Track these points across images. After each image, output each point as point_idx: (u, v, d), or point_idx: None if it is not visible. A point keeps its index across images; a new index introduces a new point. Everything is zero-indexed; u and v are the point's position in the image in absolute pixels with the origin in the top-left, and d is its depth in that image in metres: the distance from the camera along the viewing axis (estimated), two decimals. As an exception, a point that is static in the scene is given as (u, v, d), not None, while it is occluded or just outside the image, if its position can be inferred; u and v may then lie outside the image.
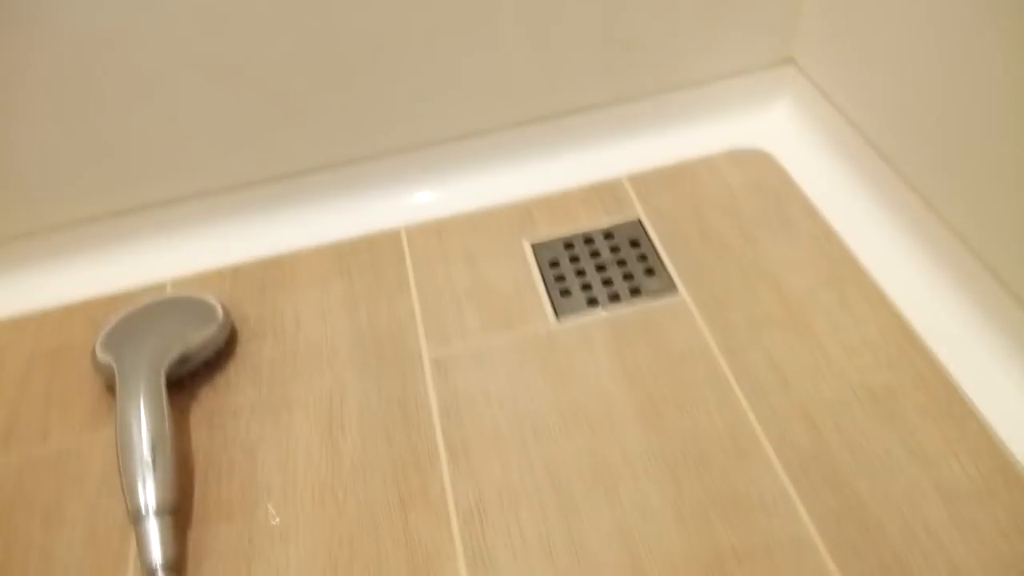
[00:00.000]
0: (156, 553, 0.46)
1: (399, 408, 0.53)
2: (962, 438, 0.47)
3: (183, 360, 0.55)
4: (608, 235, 0.65)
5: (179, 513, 0.49)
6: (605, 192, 0.68)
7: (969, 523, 0.43)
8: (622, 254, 0.63)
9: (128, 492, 0.48)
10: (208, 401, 0.56)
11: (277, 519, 0.49)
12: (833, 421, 0.49)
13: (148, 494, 0.48)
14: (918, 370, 0.51)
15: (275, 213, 0.69)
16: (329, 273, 0.64)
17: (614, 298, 0.59)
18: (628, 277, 0.61)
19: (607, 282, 0.61)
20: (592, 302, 0.59)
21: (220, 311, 0.58)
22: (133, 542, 0.48)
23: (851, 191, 0.64)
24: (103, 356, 0.55)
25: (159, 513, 0.47)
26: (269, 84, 0.63)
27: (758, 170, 0.67)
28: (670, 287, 0.59)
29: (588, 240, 0.64)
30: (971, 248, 0.53)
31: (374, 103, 0.66)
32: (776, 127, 0.71)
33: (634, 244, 0.63)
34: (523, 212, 0.67)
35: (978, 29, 0.49)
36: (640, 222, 0.65)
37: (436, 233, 0.66)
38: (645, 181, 0.68)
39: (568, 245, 0.64)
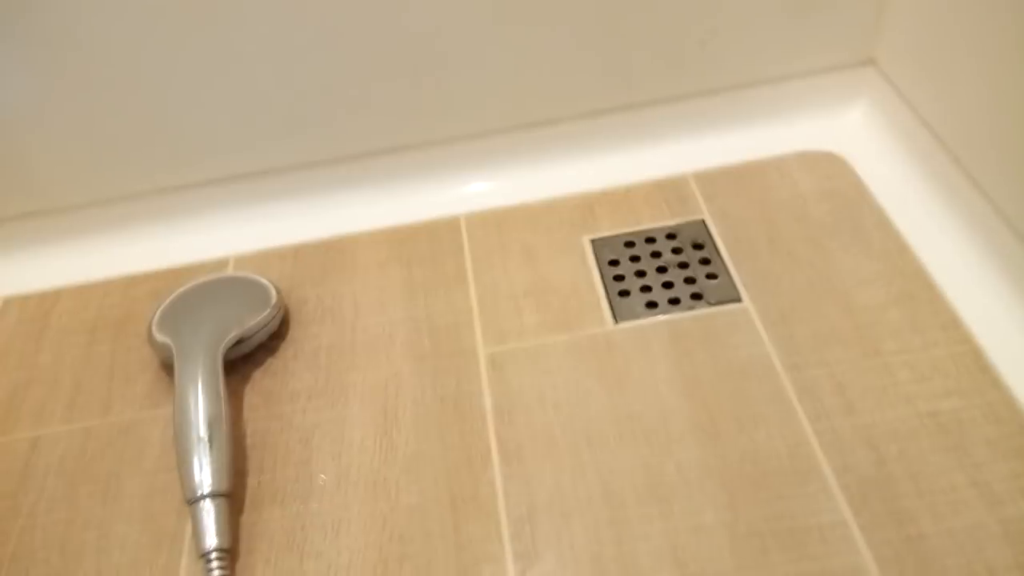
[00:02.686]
0: (211, 537, 0.47)
1: (453, 405, 0.53)
2: (1033, 476, 0.45)
3: (239, 342, 0.56)
4: (671, 235, 0.63)
5: (233, 496, 0.50)
6: (670, 190, 0.66)
7: (1036, 568, 0.42)
8: (684, 256, 0.62)
9: (184, 474, 0.49)
10: (264, 385, 0.57)
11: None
12: (897, 449, 0.48)
13: (204, 476, 0.48)
14: (988, 401, 0.49)
15: (337, 195, 0.69)
16: (388, 259, 0.64)
17: (674, 302, 0.58)
18: (689, 281, 0.60)
19: (667, 285, 0.60)
20: (651, 305, 0.58)
21: (274, 294, 0.59)
22: (188, 523, 0.49)
23: (927, 203, 0.62)
24: (159, 335, 0.56)
25: (214, 496, 0.48)
26: (335, 67, 0.63)
27: (830, 175, 0.65)
28: (733, 294, 0.58)
29: (650, 239, 0.63)
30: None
31: (439, 88, 0.65)
32: (852, 130, 0.68)
33: (697, 246, 0.62)
34: (584, 207, 0.66)
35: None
36: (704, 223, 0.63)
37: (495, 224, 0.66)
38: (712, 180, 0.67)
39: (629, 244, 0.63)
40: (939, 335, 0.53)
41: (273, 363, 0.58)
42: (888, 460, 0.47)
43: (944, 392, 0.50)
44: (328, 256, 0.65)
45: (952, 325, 0.53)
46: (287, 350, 0.59)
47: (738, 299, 0.58)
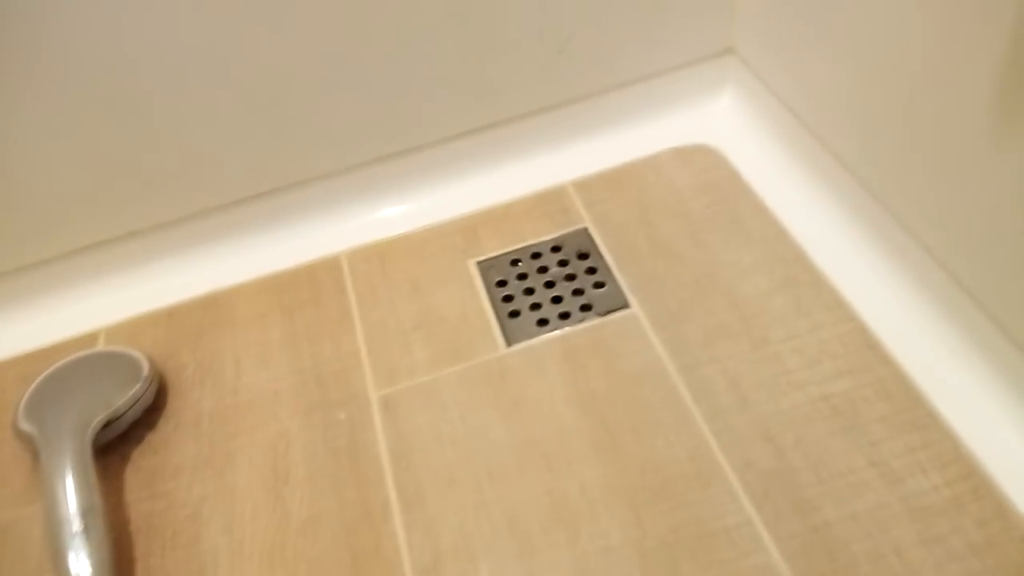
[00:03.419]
0: (95, 638, 0.43)
1: (347, 456, 0.51)
2: (926, 446, 0.46)
3: (109, 424, 0.52)
4: (556, 248, 0.62)
5: (120, 589, 0.46)
6: (550, 201, 0.65)
7: (939, 541, 0.42)
8: (571, 268, 0.61)
9: (59, 572, 0.45)
10: (145, 463, 0.53)
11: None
12: (794, 438, 0.47)
13: (82, 573, 0.45)
14: (878, 376, 0.49)
15: (209, 249, 0.66)
16: (269, 310, 0.61)
17: (564, 316, 0.57)
18: (578, 292, 0.59)
19: (556, 300, 0.59)
20: (542, 323, 0.57)
21: (146, 366, 0.55)
22: (72, 627, 0.45)
23: (799, 186, 0.62)
24: (24, 425, 0.52)
25: (96, 591, 0.44)
26: (190, 114, 0.60)
27: (705, 167, 0.65)
28: (621, 301, 0.57)
29: (535, 255, 0.62)
30: (923, 243, 0.52)
31: (301, 127, 0.63)
32: (720, 120, 0.69)
33: (583, 256, 0.61)
34: (467, 229, 0.65)
35: (918, 14, 0.47)
36: (587, 231, 0.63)
37: (378, 258, 0.64)
38: (590, 187, 0.66)
39: (515, 262, 0.62)
40: (824, 316, 0.53)
41: (152, 438, 0.55)
42: (786, 450, 0.47)
43: (835, 374, 0.50)
44: (204, 315, 0.62)
45: (836, 305, 0.54)
46: (167, 422, 0.55)
47: (626, 305, 0.57)
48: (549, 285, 0.60)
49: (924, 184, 0.50)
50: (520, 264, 0.61)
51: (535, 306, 0.58)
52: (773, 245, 0.58)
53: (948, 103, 0.46)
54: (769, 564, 0.43)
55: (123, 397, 0.53)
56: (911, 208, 0.52)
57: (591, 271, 0.60)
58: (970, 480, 0.44)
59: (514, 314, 0.58)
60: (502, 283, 0.60)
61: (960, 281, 0.49)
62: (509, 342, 0.56)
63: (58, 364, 0.56)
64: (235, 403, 0.55)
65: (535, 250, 0.62)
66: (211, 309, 0.62)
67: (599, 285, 0.59)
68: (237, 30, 0.56)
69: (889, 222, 0.55)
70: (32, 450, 0.52)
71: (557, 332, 0.56)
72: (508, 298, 0.59)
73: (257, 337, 0.59)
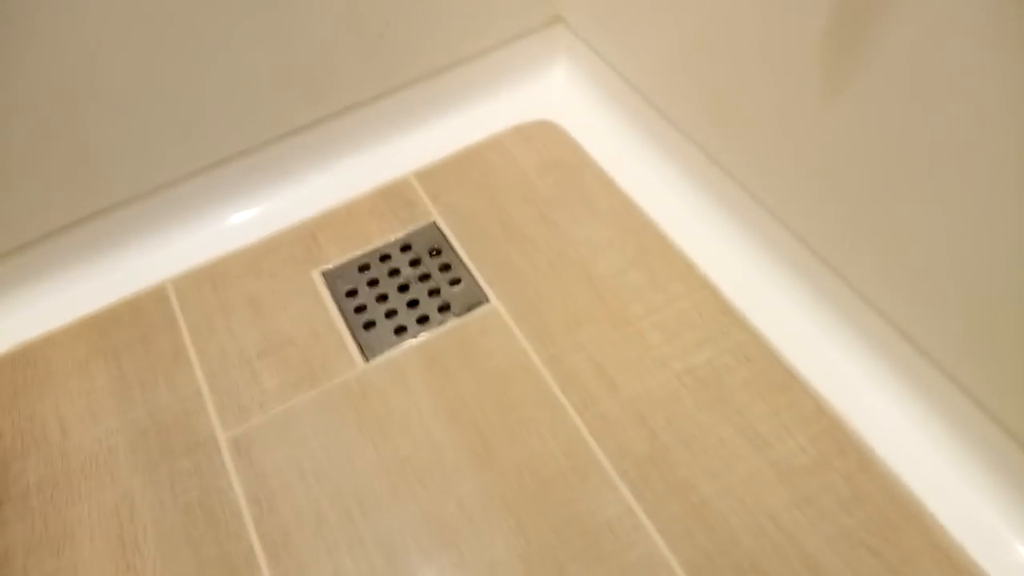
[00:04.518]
0: None
1: (201, 509, 0.46)
2: (790, 406, 0.47)
3: (-85, 521, 0.45)
4: (405, 247, 0.59)
5: None
6: (393, 196, 0.62)
7: (810, 501, 0.43)
8: (424, 267, 0.58)
9: None
10: (-35, 555, 0.46)
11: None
12: (665, 417, 0.47)
13: None
14: (737, 341, 0.50)
15: (11, 294, 0.58)
16: (90, 354, 0.55)
17: (423, 321, 0.54)
18: (434, 293, 0.56)
19: (412, 304, 0.56)
20: (400, 331, 0.54)
21: (-46, 445, 0.48)
22: None
23: (641, 155, 0.62)
24: None
25: None
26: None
27: (547, 144, 0.64)
28: (479, 296, 0.55)
29: (384, 257, 0.59)
30: (763, 203, 0.52)
31: (100, 147, 0.56)
32: (557, 93, 0.67)
33: (435, 252, 0.58)
34: (307, 237, 0.60)
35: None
36: (437, 225, 0.60)
37: (209, 281, 0.58)
38: (434, 176, 0.63)
39: (363, 267, 0.58)
40: (679, 287, 0.53)
41: (-28, 523, 0.48)
42: (659, 432, 0.46)
43: (695, 345, 0.50)
44: (16, 371, 0.54)
45: (689, 274, 0.54)
46: (-13, 502, 0.49)
47: (485, 300, 0.55)
48: (403, 289, 0.56)
49: (761, 144, 0.50)
50: (369, 269, 0.58)
51: (390, 313, 0.55)
52: (622, 218, 0.58)
53: (779, 62, 0.46)
54: (653, 552, 0.42)
55: (-77, 487, 0.46)
56: (750, 169, 0.53)
57: (445, 268, 0.57)
58: (832, 434, 0.45)
59: (369, 325, 0.55)
60: (352, 293, 0.57)
61: (801, 238, 0.50)
62: (367, 357, 0.53)
63: None
64: (66, 469, 0.49)
65: (383, 252, 0.59)
66: (23, 364, 0.55)
67: (455, 282, 0.56)
68: None
69: (730, 184, 0.55)
70: None
71: (417, 339, 0.53)
72: (360, 308, 0.56)
73: (81, 389, 0.53)
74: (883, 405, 0.46)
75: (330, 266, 0.58)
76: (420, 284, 0.57)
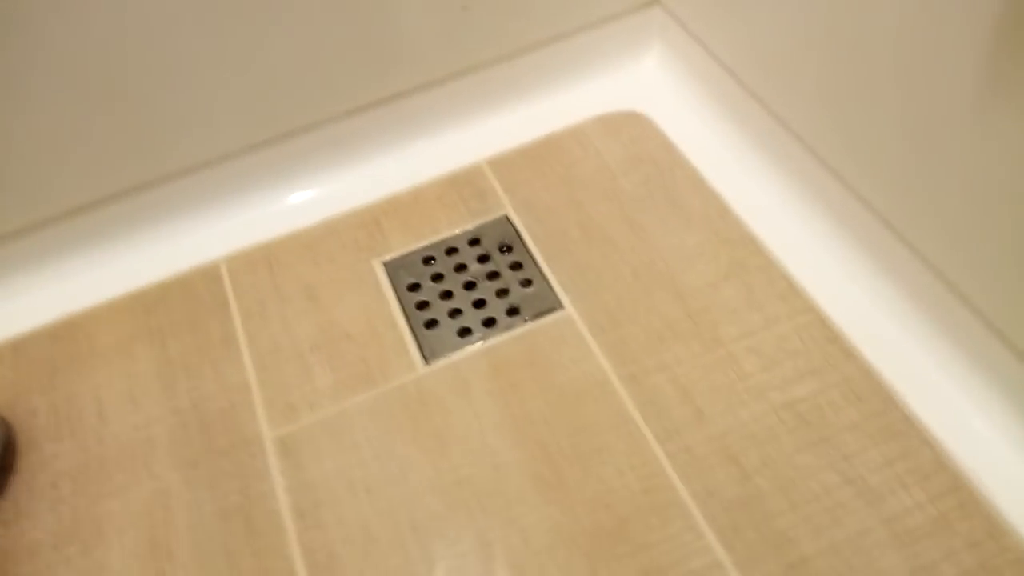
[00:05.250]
0: None
1: (240, 517, 0.43)
2: (905, 456, 0.41)
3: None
4: (474, 241, 0.54)
5: None
6: (464, 184, 0.57)
7: (929, 570, 0.37)
8: (493, 264, 0.53)
9: None
10: (-10, 543, 0.43)
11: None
12: (759, 457, 0.42)
13: None
14: (845, 375, 0.44)
15: (57, 264, 0.55)
16: (135, 335, 0.51)
17: (489, 323, 0.50)
18: (503, 293, 0.51)
19: (479, 303, 0.51)
20: (464, 332, 0.50)
21: (-16, 425, 0.45)
22: None
23: (740, 155, 0.56)
24: None
25: None
26: (20, 114, 0.48)
27: (634, 137, 0.58)
28: (552, 302, 0.50)
29: (451, 250, 0.54)
30: (882, 217, 0.46)
31: (163, 113, 0.52)
32: (648, 81, 0.62)
33: (505, 249, 0.53)
34: (370, 222, 0.56)
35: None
36: (509, 219, 0.55)
37: (265, 263, 0.54)
38: (509, 165, 0.58)
39: (428, 260, 0.54)
40: (779, 307, 0.47)
41: (4, 507, 0.45)
42: (752, 473, 0.41)
43: (796, 375, 0.44)
44: (57, 347, 0.51)
45: (791, 294, 0.48)
46: (17, 486, 0.45)
47: (559, 306, 0.50)
48: (469, 286, 0.52)
49: (892, 156, 0.44)
50: (435, 262, 0.53)
51: (455, 312, 0.51)
52: (716, 225, 0.52)
53: (926, 61, 0.40)
54: (745, 614, 0.37)
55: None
56: (867, 176, 0.47)
57: (516, 267, 0.52)
58: (956, 494, 0.39)
59: (431, 324, 0.50)
60: (415, 287, 0.52)
61: (928, 260, 0.44)
62: (427, 359, 0.48)
63: None
64: (100, 456, 0.46)
65: (450, 244, 0.54)
66: (65, 339, 0.52)
67: (526, 283, 0.51)
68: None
69: (843, 192, 0.49)
70: None
71: (482, 343, 0.49)
72: (423, 304, 0.51)
73: (123, 371, 0.49)
74: (1020, 470, 0.40)
75: (393, 256, 0.54)
76: (488, 283, 0.52)
